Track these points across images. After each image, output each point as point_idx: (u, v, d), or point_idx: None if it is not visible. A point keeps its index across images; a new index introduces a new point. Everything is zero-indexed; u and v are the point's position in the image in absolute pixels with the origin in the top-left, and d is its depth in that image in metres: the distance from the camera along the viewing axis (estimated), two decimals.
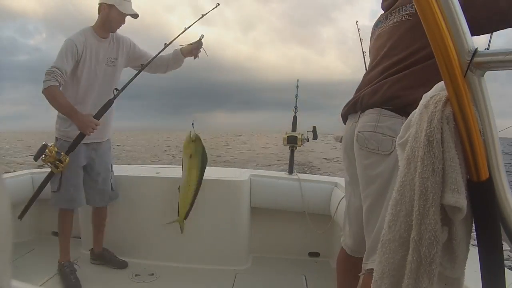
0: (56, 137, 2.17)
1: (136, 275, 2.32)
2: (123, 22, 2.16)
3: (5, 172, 3.14)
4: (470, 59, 0.55)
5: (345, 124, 1.41)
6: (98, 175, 2.30)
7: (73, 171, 2.14)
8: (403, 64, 1.20)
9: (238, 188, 2.51)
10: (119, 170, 2.98)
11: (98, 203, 2.36)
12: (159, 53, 2.30)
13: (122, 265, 2.41)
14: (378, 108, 1.21)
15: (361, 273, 1.23)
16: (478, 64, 0.55)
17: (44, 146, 1.97)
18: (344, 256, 1.48)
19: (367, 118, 1.24)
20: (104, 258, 2.45)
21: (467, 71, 0.55)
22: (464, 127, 0.58)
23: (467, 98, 0.56)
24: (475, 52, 0.54)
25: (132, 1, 2.17)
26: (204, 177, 2.55)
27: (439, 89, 0.64)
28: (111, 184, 2.38)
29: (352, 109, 1.34)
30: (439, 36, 0.55)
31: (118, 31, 2.23)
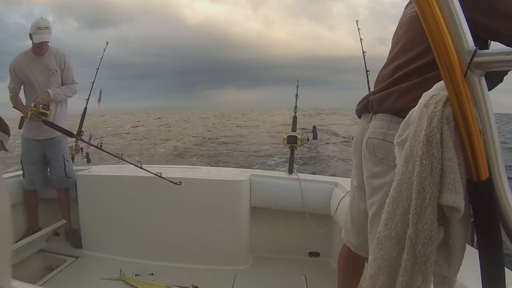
0: (21, 135, 2.83)
1: (136, 275, 2.32)
2: (41, 47, 2.68)
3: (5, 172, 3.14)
4: (470, 59, 0.54)
5: (359, 118, 1.39)
6: (51, 164, 2.81)
7: (29, 161, 2.76)
8: (416, 65, 1.15)
9: (238, 188, 2.50)
10: (118, 170, 2.99)
11: (54, 185, 2.82)
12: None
13: (76, 245, 2.74)
14: (390, 115, 1.19)
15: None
16: (478, 64, 0.55)
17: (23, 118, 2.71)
18: (346, 254, 1.48)
19: (378, 124, 1.23)
20: (68, 235, 2.81)
21: (467, 71, 0.55)
22: (464, 127, 0.58)
23: (467, 98, 0.56)
24: (475, 52, 0.54)
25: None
26: (204, 177, 2.55)
27: (439, 89, 0.64)
28: (66, 171, 2.79)
29: (365, 109, 1.34)
30: (439, 36, 0.55)
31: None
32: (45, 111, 2.62)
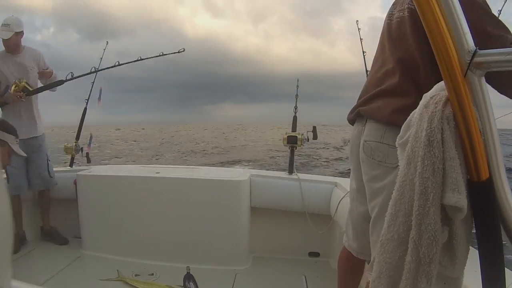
0: None
1: (136, 275, 2.32)
2: (5, 44, 2.69)
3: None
4: (470, 59, 0.54)
5: (352, 125, 1.39)
6: (34, 164, 2.76)
7: (14, 164, 2.62)
8: (399, 84, 1.17)
9: (238, 188, 2.50)
10: (118, 170, 2.98)
11: (36, 187, 2.81)
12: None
13: (64, 241, 2.79)
14: (384, 124, 1.19)
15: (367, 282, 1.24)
16: (478, 64, 0.55)
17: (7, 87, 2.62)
18: (346, 257, 1.47)
19: (374, 126, 1.22)
20: (50, 234, 2.82)
21: (467, 71, 0.55)
22: (464, 127, 0.58)
23: (467, 98, 0.56)
24: (475, 52, 0.54)
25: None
26: (204, 177, 2.55)
27: (439, 89, 0.64)
28: (49, 172, 2.80)
29: (357, 116, 1.34)
30: (439, 36, 0.55)
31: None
32: (28, 86, 2.63)
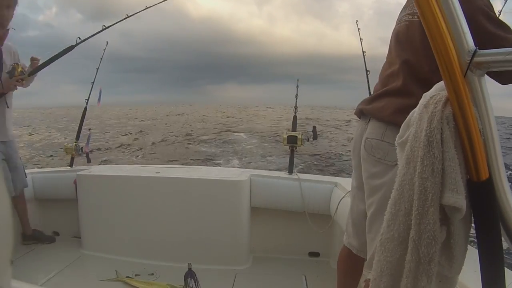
0: None
1: (136, 275, 2.32)
2: None
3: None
4: (470, 59, 0.54)
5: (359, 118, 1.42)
6: (16, 169, 2.62)
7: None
8: (403, 84, 1.19)
9: (238, 188, 2.51)
10: (118, 170, 2.98)
11: (20, 191, 2.67)
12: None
13: (51, 239, 2.79)
14: (386, 123, 1.23)
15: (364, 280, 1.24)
16: (478, 64, 0.55)
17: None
18: (345, 255, 1.48)
19: (376, 125, 1.25)
20: (35, 237, 2.75)
21: (467, 71, 0.55)
22: (464, 127, 0.58)
23: (467, 98, 0.56)
24: (475, 52, 0.54)
25: None
26: (204, 177, 2.56)
27: (439, 89, 0.64)
28: (25, 174, 2.72)
29: (361, 114, 1.37)
30: (439, 36, 0.55)
31: None
32: (24, 71, 2.48)
